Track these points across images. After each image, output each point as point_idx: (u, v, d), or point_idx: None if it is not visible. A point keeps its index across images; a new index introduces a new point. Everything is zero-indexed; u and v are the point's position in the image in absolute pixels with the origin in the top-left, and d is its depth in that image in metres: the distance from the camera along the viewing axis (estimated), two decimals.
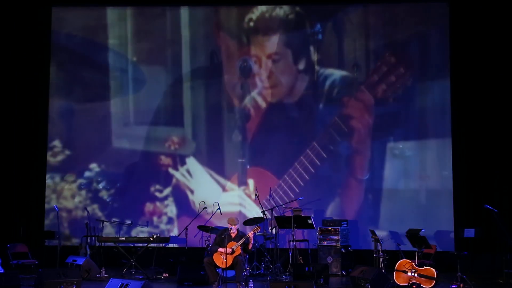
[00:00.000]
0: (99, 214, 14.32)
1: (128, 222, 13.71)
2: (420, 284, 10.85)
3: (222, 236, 11.13)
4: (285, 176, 14.28)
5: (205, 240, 12.62)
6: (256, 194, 12.94)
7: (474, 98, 13.49)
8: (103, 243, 12.90)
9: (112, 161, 14.63)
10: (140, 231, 14.18)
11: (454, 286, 11.05)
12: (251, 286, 10.76)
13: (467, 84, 13.54)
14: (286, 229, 12.77)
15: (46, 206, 14.21)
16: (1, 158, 14.03)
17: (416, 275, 10.91)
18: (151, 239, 12.66)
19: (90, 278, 11.95)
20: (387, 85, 14.07)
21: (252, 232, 10.99)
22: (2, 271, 11.21)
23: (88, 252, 12.92)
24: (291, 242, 12.37)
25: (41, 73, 14.29)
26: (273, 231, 12.59)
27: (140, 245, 12.89)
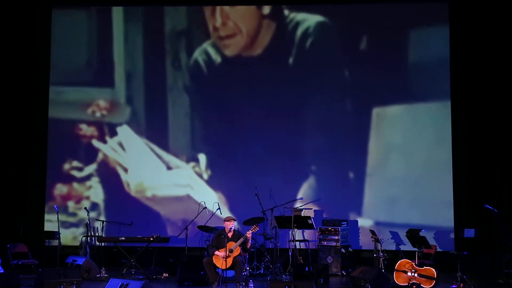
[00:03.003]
0: None
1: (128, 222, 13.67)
2: (420, 284, 10.85)
3: (221, 236, 11.12)
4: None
5: (205, 240, 12.63)
6: (256, 194, 12.82)
7: (474, 99, 13.42)
8: (103, 243, 12.90)
9: None
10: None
11: (454, 286, 11.04)
12: (251, 286, 10.75)
13: (467, 85, 13.44)
14: (286, 229, 12.73)
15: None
16: (0, 157, 14.02)
17: (416, 275, 10.91)
18: (151, 239, 12.65)
19: (90, 278, 11.95)
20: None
21: (250, 232, 11.00)
22: (2, 271, 11.21)
23: (88, 252, 12.91)
24: (291, 242, 12.37)
25: (41, 72, 14.22)
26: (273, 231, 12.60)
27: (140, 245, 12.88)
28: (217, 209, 12.76)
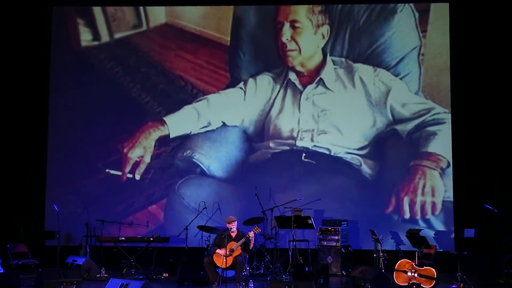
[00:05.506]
0: None
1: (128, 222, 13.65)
2: (420, 284, 10.84)
3: (222, 236, 11.13)
4: None
5: (205, 240, 12.62)
6: (256, 194, 12.80)
7: (474, 99, 13.40)
8: (103, 243, 12.90)
9: None
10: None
11: (454, 286, 11.04)
12: (251, 286, 10.75)
13: (467, 87, 13.46)
14: (286, 229, 12.72)
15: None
16: (0, 157, 14.01)
17: (416, 275, 10.90)
18: (151, 239, 12.64)
19: (90, 278, 11.95)
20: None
21: (253, 232, 11.00)
22: (2, 271, 11.21)
23: (88, 252, 12.91)
24: (291, 242, 12.36)
25: (41, 71, 14.21)
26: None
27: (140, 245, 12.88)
28: (217, 209, 12.77)
